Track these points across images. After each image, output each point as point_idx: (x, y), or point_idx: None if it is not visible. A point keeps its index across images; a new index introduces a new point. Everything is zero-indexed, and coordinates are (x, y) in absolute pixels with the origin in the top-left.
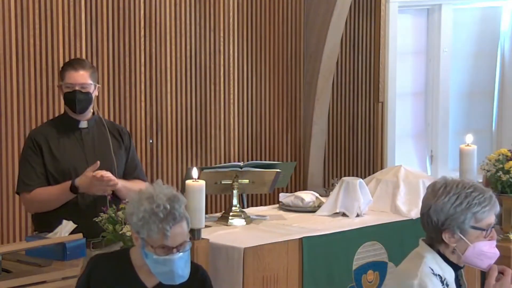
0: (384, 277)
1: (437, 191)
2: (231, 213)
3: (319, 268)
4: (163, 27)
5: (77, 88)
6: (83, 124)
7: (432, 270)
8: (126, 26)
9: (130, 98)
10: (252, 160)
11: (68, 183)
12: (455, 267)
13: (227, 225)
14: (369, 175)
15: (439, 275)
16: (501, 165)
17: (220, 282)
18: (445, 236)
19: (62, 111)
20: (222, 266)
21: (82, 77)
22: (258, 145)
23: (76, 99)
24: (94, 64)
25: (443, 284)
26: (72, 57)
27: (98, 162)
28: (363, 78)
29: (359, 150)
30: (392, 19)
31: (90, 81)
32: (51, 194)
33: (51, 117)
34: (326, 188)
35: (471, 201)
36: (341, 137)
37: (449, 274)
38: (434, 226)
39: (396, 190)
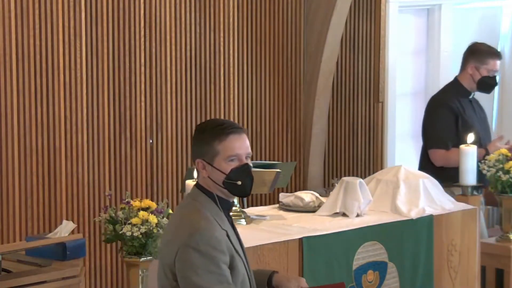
0: (384, 277)
1: None
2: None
3: (319, 268)
4: (163, 27)
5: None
6: (471, 96)
7: None
8: (126, 26)
9: (130, 98)
10: (252, 160)
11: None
12: None
13: None
14: (369, 175)
15: None
16: (501, 165)
17: None
18: None
19: (61, 110)
20: None
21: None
22: (258, 145)
23: (494, 85)
24: (94, 64)
25: None
26: (72, 57)
27: (503, 136)
28: (363, 78)
29: (359, 150)
30: (392, 19)
31: None
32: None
33: (51, 117)
34: (326, 188)
35: None
36: (341, 137)
37: None
38: None
39: (396, 190)
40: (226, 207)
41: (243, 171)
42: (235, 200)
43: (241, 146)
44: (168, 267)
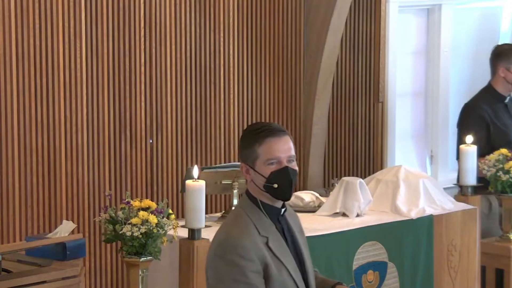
0: (384, 277)
1: None
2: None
3: (319, 268)
4: (163, 27)
5: None
6: (507, 99)
7: None
8: (126, 26)
9: (130, 98)
10: None
11: None
12: None
13: None
14: (369, 175)
15: None
16: (501, 165)
17: None
18: None
19: (61, 110)
20: None
21: None
22: None
23: None
24: (94, 64)
25: None
26: (72, 57)
27: None
28: (363, 78)
29: (359, 150)
30: (392, 19)
31: None
32: None
33: (51, 117)
34: (326, 188)
35: None
36: (341, 137)
37: None
38: None
39: (396, 190)
40: (273, 212)
41: (281, 174)
42: (235, 200)
43: (280, 149)
44: (206, 273)
